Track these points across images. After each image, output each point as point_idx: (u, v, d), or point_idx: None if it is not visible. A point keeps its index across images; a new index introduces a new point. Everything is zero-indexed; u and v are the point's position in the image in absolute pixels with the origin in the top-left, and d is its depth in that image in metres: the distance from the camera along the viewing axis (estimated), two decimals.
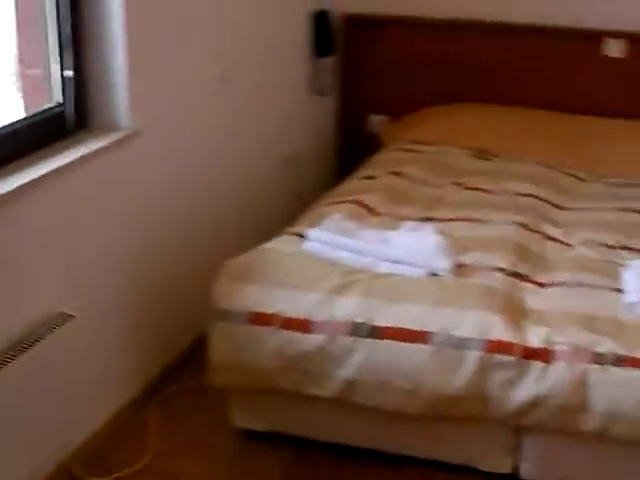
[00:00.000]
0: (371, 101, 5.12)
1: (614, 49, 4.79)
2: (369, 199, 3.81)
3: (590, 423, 2.83)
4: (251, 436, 3.28)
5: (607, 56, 4.81)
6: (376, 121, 5.10)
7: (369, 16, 5.00)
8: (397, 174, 4.17)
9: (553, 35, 4.84)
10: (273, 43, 4.35)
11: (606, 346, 2.82)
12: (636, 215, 3.88)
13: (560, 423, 2.87)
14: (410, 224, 3.53)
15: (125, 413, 3.39)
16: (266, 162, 4.38)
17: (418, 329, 2.92)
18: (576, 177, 4.38)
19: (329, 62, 4.98)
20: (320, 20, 4.83)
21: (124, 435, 3.32)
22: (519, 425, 2.96)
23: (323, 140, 5.13)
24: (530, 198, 3.99)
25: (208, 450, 3.29)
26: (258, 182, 4.32)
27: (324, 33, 4.85)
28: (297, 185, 4.72)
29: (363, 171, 4.27)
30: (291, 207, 4.47)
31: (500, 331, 2.88)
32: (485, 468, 3.09)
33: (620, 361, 2.79)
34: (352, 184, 4.10)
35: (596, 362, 2.80)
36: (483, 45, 4.93)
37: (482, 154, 4.55)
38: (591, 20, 4.74)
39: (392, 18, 4.98)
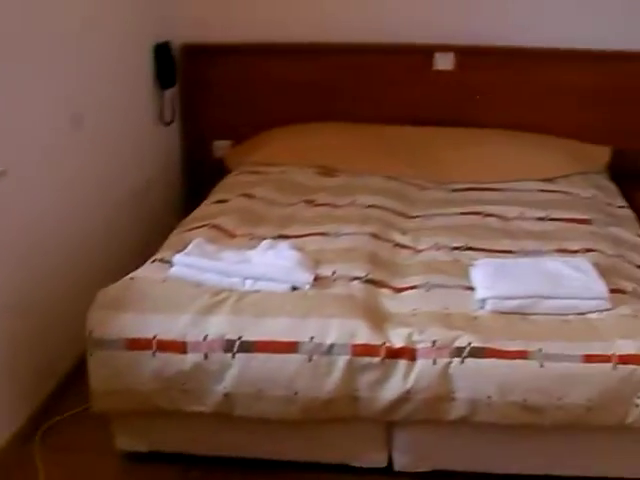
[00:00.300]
0: (215, 127, 5.33)
1: (443, 62, 5.13)
2: (225, 222, 3.98)
3: (455, 412, 3.07)
4: (136, 458, 3.38)
5: (438, 69, 5.13)
6: (221, 146, 5.30)
7: (207, 45, 5.19)
8: (248, 196, 4.35)
9: (387, 51, 5.16)
10: (118, 77, 4.46)
11: (463, 340, 3.06)
12: (477, 217, 4.17)
13: (428, 415, 3.09)
14: (267, 243, 3.69)
15: (9, 449, 3.42)
16: (118, 192, 4.48)
17: (288, 340, 3.09)
18: (419, 186, 4.66)
19: (173, 92, 5.12)
20: (162, 52, 4.95)
21: (10, 471, 3.35)
22: (390, 421, 3.18)
23: (172, 168, 5.29)
24: (377, 209, 4.22)
25: (95, 477, 3.37)
26: (115, 210, 4.43)
27: (167, 64, 4.98)
28: (150, 212, 4.85)
29: (215, 196, 4.42)
30: (148, 234, 4.63)
31: (364, 335, 3.08)
32: (362, 464, 3.30)
33: (478, 352, 3.03)
34: (206, 209, 4.24)
35: (456, 355, 3.03)
36: (319, 66, 5.21)
37: (327, 171, 4.77)
38: (422, 36, 5.07)
39: (230, 46, 5.19)
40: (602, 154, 5.09)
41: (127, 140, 4.61)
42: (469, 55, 5.11)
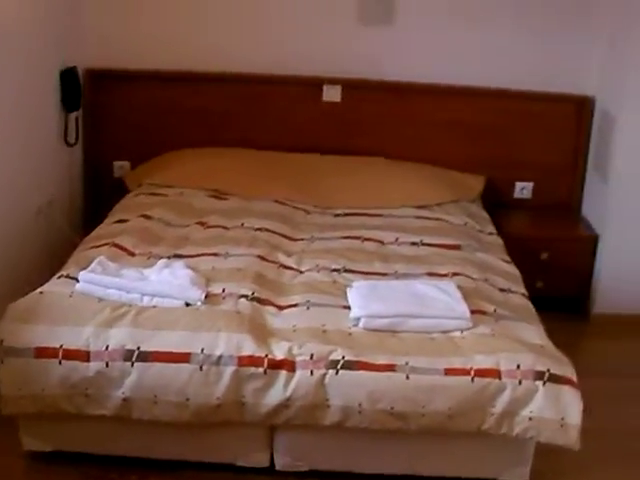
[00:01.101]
0: (115, 148, 5.50)
1: (331, 94, 5.43)
2: (124, 241, 4.20)
3: (330, 418, 3.39)
4: (41, 458, 3.60)
5: (326, 101, 5.44)
6: (120, 166, 5.50)
7: (110, 71, 5.36)
8: (146, 217, 4.55)
9: (279, 82, 5.42)
10: (26, 100, 4.59)
11: (338, 354, 3.38)
12: (356, 241, 4.47)
13: (306, 420, 3.40)
14: (163, 262, 3.95)
15: None
16: (24, 208, 4.63)
17: (181, 351, 3.38)
18: (304, 210, 4.92)
19: (77, 114, 5.30)
20: (68, 77, 5.10)
21: None
22: (272, 424, 3.48)
23: (75, 187, 5.43)
24: (265, 232, 4.48)
25: (1, 476, 3.56)
26: (21, 226, 4.57)
27: (72, 88, 5.14)
28: (54, 228, 4.99)
29: (115, 215, 4.61)
30: (53, 249, 4.83)
31: (249, 348, 3.38)
32: (246, 464, 3.60)
33: (350, 365, 3.36)
34: (108, 228, 4.43)
35: (331, 367, 3.35)
36: (215, 94, 5.45)
37: (219, 194, 4.99)
38: (312, 69, 5.36)
39: (131, 72, 5.37)
40: (476, 183, 5.44)
41: (33, 160, 4.75)
42: (355, 88, 5.41)
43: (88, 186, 5.58)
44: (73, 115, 5.26)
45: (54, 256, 4.82)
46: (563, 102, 5.50)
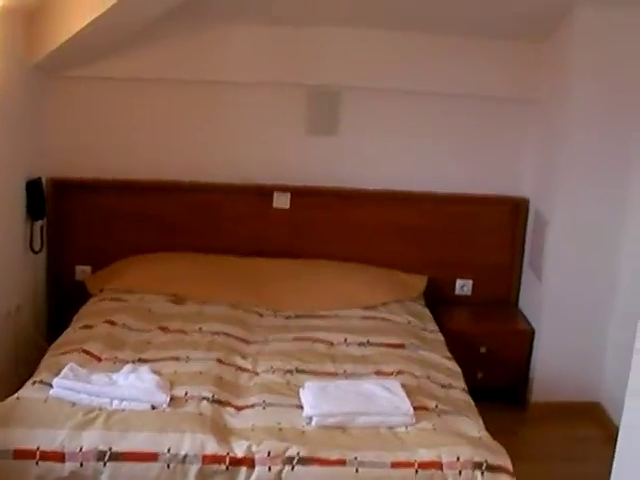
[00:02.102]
0: (77, 253, 5.72)
1: (281, 201, 5.73)
2: (91, 347, 4.43)
3: None
4: None
5: (276, 207, 5.74)
6: (82, 270, 5.73)
7: (72, 180, 5.61)
8: (110, 322, 4.76)
9: (232, 191, 5.71)
10: None
11: (293, 450, 3.62)
12: (307, 343, 4.74)
13: None
14: (129, 366, 4.18)
15: None
16: None
17: (149, 451, 3.60)
18: (257, 313, 5.15)
19: (42, 223, 5.52)
20: (34, 187, 5.35)
21: None
22: None
23: (40, 291, 5.63)
24: (222, 335, 4.72)
25: None
26: None
27: (37, 198, 5.38)
28: (21, 332, 5.18)
29: (81, 321, 4.80)
30: (20, 351, 5.02)
31: (212, 447, 3.61)
32: None
33: (305, 461, 3.60)
34: (74, 334, 4.63)
35: (287, 463, 3.58)
36: (170, 201, 5.72)
37: (177, 299, 5.22)
38: (263, 178, 5.69)
39: (90, 182, 5.64)
40: (419, 282, 5.75)
41: (1, 267, 4.93)
42: (303, 195, 5.73)
43: (52, 290, 5.77)
44: (38, 223, 5.50)
45: (20, 358, 5.06)
46: (500, 204, 5.89)
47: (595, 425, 5.49)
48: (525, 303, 5.93)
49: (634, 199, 5.24)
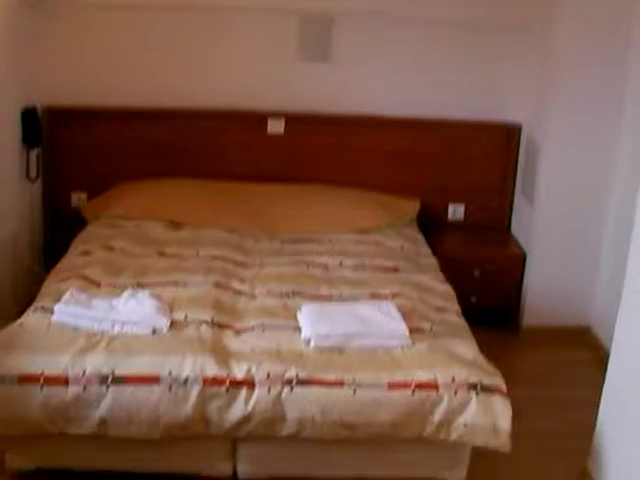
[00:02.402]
0: (72, 180, 5.74)
1: (275, 127, 5.75)
2: (91, 272, 4.47)
3: (287, 430, 3.70)
4: (24, 476, 3.85)
5: (270, 133, 5.75)
6: (77, 197, 5.76)
7: (67, 108, 5.62)
8: (108, 248, 4.81)
9: (227, 117, 5.72)
10: None
11: (292, 372, 3.70)
12: (303, 267, 4.79)
13: (265, 432, 3.70)
14: (129, 292, 4.22)
15: None
16: None
17: (151, 374, 3.67)
18: (253, 238, 5.20)
19: (38, 151, 5.55)
20: (29, 116, 5.36)
21: None
22: (234, 437, 3.79)
23: (36, 218, 5.67)
24: (219, 260, 4.77)
25: None
26: None
27: (32, 127, 5.40)
28: (18, 261, 5.24)
29: (79, 247, 4.86)
30: (18, 278, 5.08)
31: (212, 369, 3.69)
32: (211, 474, 3.89)
33: (304, 382, 3.68)
34: (73, 260, 4.68)
35: (286, 385, 3.66)
36: (166, 128, 5.72)
37: (173, 224, 5.26)
38: (257, 104, 5.70)
39: (85, 109, 5.65)
40: (412, 207, 5.78)
41: None
42: (297, 121, 5.75)
43: (48, 218, 5.81)
44: (34, 152, 5.53)
45: (18, 286, 5.12)
46: (492, 129, 5.90)
47: (585, 349, 5.57)
48: (517, 228, 5.98)
49: (627, 123, 5.25)
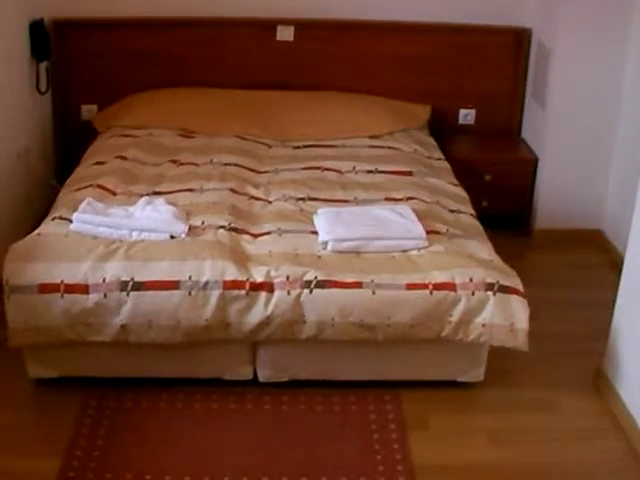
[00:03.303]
0: (82, 93, 5.73)
1: (285, 34, 5.70)
2: (106, 182, 4.47)
3: (306, 332, 3.75)
4: (46, 383, 3.91)
5: (280, 40, 5.71)
6: (88, 110, 5.74)
7: (75, 20, 5.57)
8: (122, 158, 4.80)
9: (235, 25, 5.68)
10: None
11: (311, 275, 3.73)
12: (317, 171, 4.79)
13: (285, 335, 3.76)
14: (145, 199, 4.23)
15: None
16: (2, 157, 4.83)
17: (171, 279, 3.71)
18: (266, 144, 5.20)
19: (47, 64, 5.52)
20: (37, 28, 5.34)
21: None
22: (254, 341, 3.84)
23: (47, 131, 5.66)
24: (232, 167, 4.77)
25: (8, 401, 3.87)
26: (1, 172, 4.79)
27: (41, 39, 5.37)
28: (32, 173, 5.24)
29: (92, 158, 4.85)
30: (32, 190, 5.11)
31: (232, 273, 3.72)
32: (232, 377, 3.95)
33: (322, 284, 3.72)
34: (87, 170, 4.67)
35: (305, 287, 3.71)
36: (175, 37, 5.68)
37: (186, 132, 5.25)
38: (265, 11, 5.64)
39: (94, 20, 5.60)
40: (423, 112, 5.76)
41: (8, 109, 4.95)
42: (306, 27, 5.69)
43: (59, 130, 5.80)
44: (43, 65, 5.49)
45: (33, 198, 5.14)
46: (502, 34, 5.84)
47: (597, 252, 5.59)
48: (528, 132, 5.96)
49: (636, 23, 5.20)
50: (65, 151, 5.72)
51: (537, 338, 3.96)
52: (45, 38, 5.43)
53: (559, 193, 5.64)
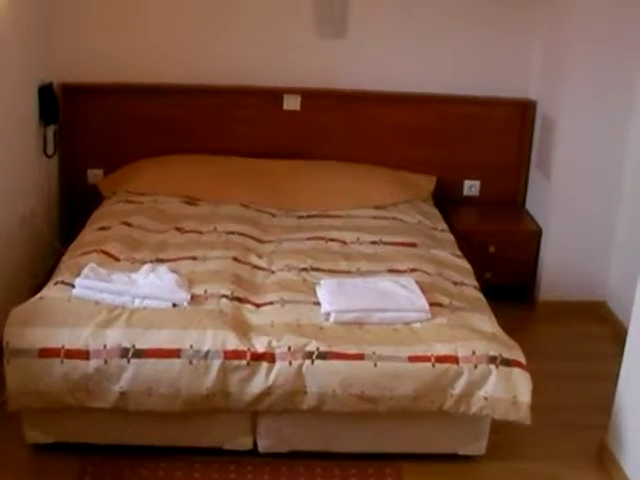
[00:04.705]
0: (89, 157, 5.76)
1: (292, 103, 5.75)
2: (110, 247, 4.47)
3: (308, 403, 3.72)
4: (43, 449, 3.88)
5: (286, 109, 5.76)
6: (94, 174, 5.77)
7: (83, 85, 5.61)
8: (127, 224, 4.80)
9: (243, 93, 5.72)
10: (6, 115, 4.79)
11: (312, 346, 3.72)
12: (321, 242, 4.79)
13: (286, 406, 3.73)
14: (148, 266, 4.24)
15: None
16: (9, 218, 4.84)
17: (172, 347, 3.70)
18: (270, 213, 5.20)
19: (54, 127, 5.55)
20: (46, 92, 5.37)
21: None
22: (255, 411, 3.80)
23: (53, 195, 5.68)
24: (236, 235, 4.77)
25: (4, 466, 3.83)
26: (6, 236, 4.77)
27: (49, 103, 5.40)
28: (37, 237, 5.24)
29: (97, 223, 4.85)
30: (36, 253, 5.10)
31: (233, 343, 3.71)
32: (232, 447, 3.92)
33: (324, 355, 3.70)
34: (92, 235, 4.67)
35: (307, 358, 3.69)
36: (183, 104, 5.73)
37: (191, 200, 5.27)
38: (273, 80, 5.68)
39: (101, 86, 5.64)
40: (428, 183, 5.78)
41: (16, 171, 4.98)
42: (313, 97, 5.73)
43: (65, 194, 5.84)
44: (51, 128, 5.53)
45: (37, 261, 5.14)
46: (507, 105, 5.88)
47: (601, 323, 5.57)
48: (532, 204, 5.97)
49: None
50: (71, 215, 5.75)
51: (540, 410, 3.91)
52: (53, 102, 5.47)
53: (563, 264, 5.63)
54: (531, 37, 5.78)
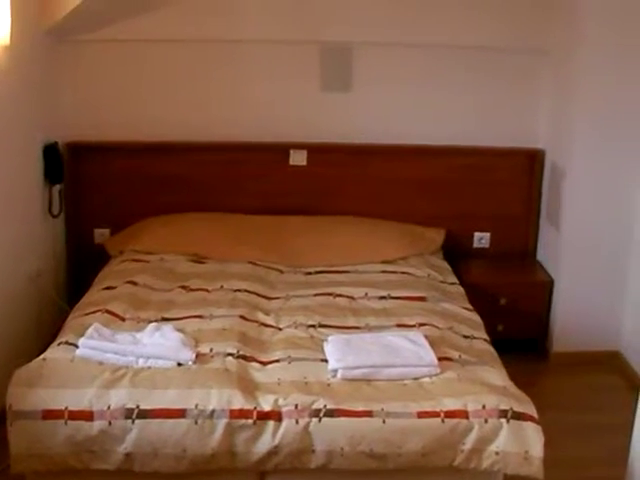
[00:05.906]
0: (95, 216, 5.77)
1: (298, 158, 5.76)
2: (115, 307, 4.45)
3: (315, 462, 3.65)
4: None
5: (292, 165, 5.77)
6: (100, 233, 5.77)
7: (89, 144, 5.63)
8: (132, 283, 4.79)
9: (248, 149, 5.73)
10: (11, 175, 4.81)
11: (320, 403, 3.66)
12: (328, 298, 4.75)
13: (293, 465, 3.66)
14: (153, 325, 4.22)
15: None
16: (15, 278, 4.85)
17: (177, 407, 3.64)
18: (278, 270, 5.18)
19: (60, 187, 5.57)
20: (51, 152, 5.39)
21: None
22: (262, 470, 3.74)
23: (59, 254, 5.68)
24: (243, 293, 4.75)
25: None
26: (12, 294, 4.78)
27: (54, 163, 5.42)
28: (43, 297, 5.24)
29: (103, 282, 4.84)
30: (42, 314, 5.09)
31: (239, 402, 3.65)
32: None
33: (332, 413, 3.64)
34: (97, 295, 4.66)
35: (314, 416, 3.62)
36: (187, 161, 5.74)
37: (197, 258, 5.25)
38: (279, 135, 5.70)
39: (107, 144, 5.66)
40: (437, 236, 5.76)
41: (22, 231, 4.99)
42: (319, 152, 5.75)
43: (71, 253, 5.83)
44: (56, 188, 5.54)
45: (42, 322, 5.12)
46: (515, 156, 5.88)
47: (616, 374, 5.52)
48: (543, 254, 5.94)
49: None
50: (77, 274, 5.74)
51: (553, 464, 3.82)
52: (58, 161, 5.49)
53: (576, 315, 5.59)
54: (538, 86, 5.79)
